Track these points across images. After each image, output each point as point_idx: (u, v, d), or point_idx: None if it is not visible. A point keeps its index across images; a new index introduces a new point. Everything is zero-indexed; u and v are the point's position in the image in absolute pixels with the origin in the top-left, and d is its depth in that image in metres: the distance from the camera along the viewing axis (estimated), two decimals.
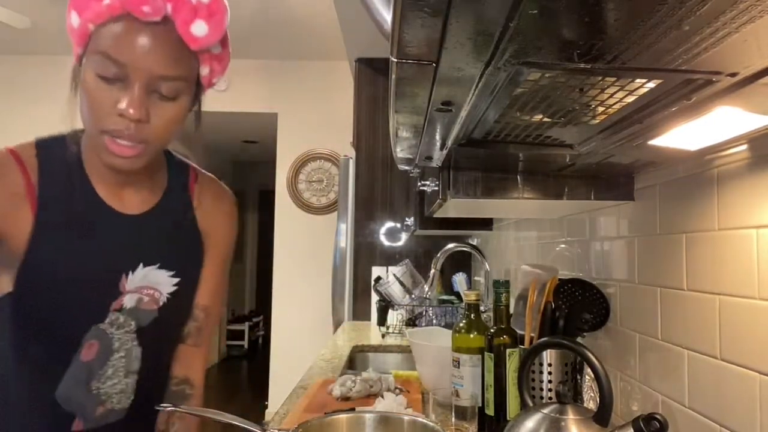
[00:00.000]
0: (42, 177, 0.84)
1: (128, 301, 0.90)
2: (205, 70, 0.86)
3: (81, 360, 0.87)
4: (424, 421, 0.97)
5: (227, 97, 4.51)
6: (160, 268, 0.93)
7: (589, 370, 1.02)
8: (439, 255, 2.21)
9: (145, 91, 0.78)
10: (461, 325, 1.28)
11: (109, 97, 0.77)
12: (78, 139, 0.89)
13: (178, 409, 0.94)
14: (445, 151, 0.89)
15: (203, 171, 1.05)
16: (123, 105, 0.76)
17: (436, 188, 1.14)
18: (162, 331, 0.96)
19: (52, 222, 0.84)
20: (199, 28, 0.79)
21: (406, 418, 0.99)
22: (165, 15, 0.77)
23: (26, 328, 0.86)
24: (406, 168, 1.21)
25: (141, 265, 0.91)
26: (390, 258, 3.20)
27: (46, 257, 0.83)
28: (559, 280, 1.21)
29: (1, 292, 0.84)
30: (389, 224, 3.22)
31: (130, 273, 0.90)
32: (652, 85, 0.56)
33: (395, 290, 2.58)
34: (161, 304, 0.94)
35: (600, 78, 0.54)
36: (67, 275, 0.85)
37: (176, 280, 0.95)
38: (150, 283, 0.92)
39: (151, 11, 0.75)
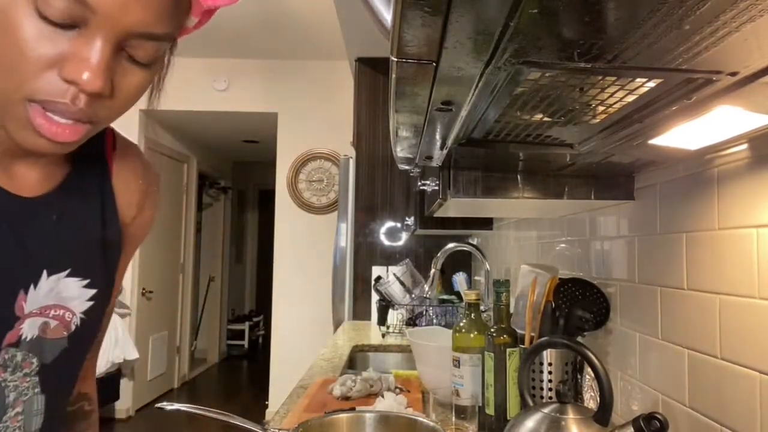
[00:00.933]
0: None
1: (28, 329, 0.60)
2: (192, 22, 0.58)
3: None
4: (425, 420, 0.97)
5: (227, 97, 4.51)
6: (70, 275, 0.64)
7: (589, 369, 1.02)
8: (439, 254, 2.21)
9: (112, 50, 0.50)
10: (461, 324, 1.28)
11: (49, 48, 0.48)
12: None
13: (180, 407, 0.94)
14: (445, 151, 0.89)
15: (122, 135, 0.74)
16: (76, 67, 0.48)
17: (437, 188, 1.14)
18: (71, 366, 0.67)
19: None
20: None
21: (406, 417, 0.99)
22: None
23: None
24: (407, 167, 1.21)
25: (44, 273, 0.61)
26: (390, 257, 3.20)
27: None
28: (560, 279, 1.21)
29: None
30: (389, 224, 3.23)
31: (31, 287, 0.60)
32: (652, 84, 0.56)
33: (395, 290, 2.58)
34: (73, 328, 0.64)
35: (600, 77, 0.54)
36: None
37: (92, 291, 0.66)
38: (59, 300, 0.63)
39: None
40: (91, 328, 0.68)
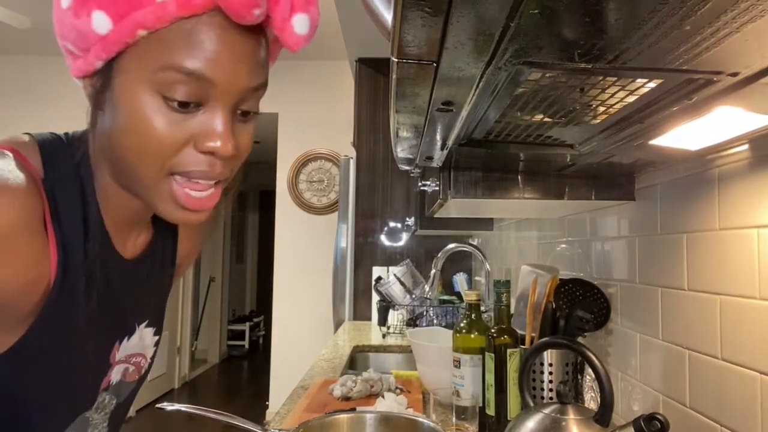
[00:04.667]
0: (52, 204, 0.56)
1: (114, 375, 0.68)
2: None
3: None
4: (425, 421, 0.97)
5: None
6: (147, 326, 0.72)
7: (589, 370, 1.02)
8: (439, 255, 2.21)
9: (231, 114, 0.56)
10: (462, 325, 1.28)
11: (181, 131, 0.54)
12: (86, 150, 0.60)
13: (180, 408, 0.94)
14: (445, 151, 0.89)
15: None
16: (208, 140, 0.54)
17: (437, 188, 1.14)
18: (131, 401, 0.75)
19: (70, 277, 0.57)
20: (302, 25, 0.55)
21: (406, 417, 0.99)
22: None
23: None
24: (407, 168, 1.21)
25: (136, 325, 0.70)
26: (391, 258, 3.19)
27: (56, 325, 0.57)
28: (560, 280, 1.21)
29: None
30: (390, 224, 3.22)
31: (126, 338, 0.68)
32: (653, 84, 0.56)
33: (396, 290, 2.58)
34: (143, 371, 0.73)
35: (601, 78, 0.54)
36: (70, 351, 0.60)
37: (157, 338, 0.75)
38: (140, 349, 0.71)
39: (261, 13, 0.53)
40: (150, 369, 0.76)
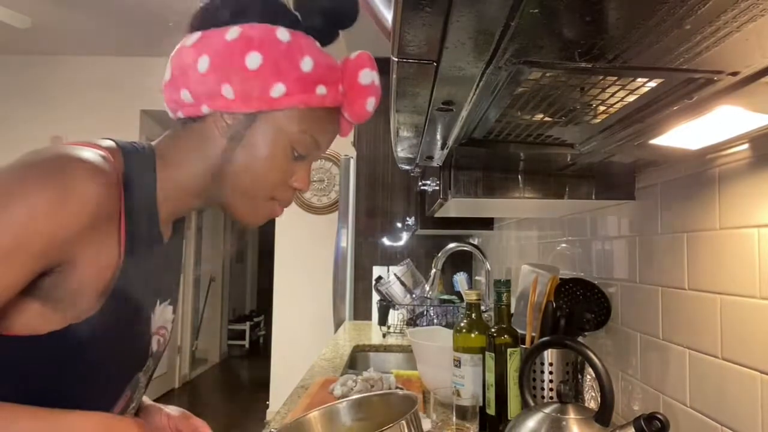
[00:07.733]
0: (128, 196, 0.71)
1: (153, 343, 0.81)
2: None
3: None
4: (397, 392, 0.95)
5: None
6: (168, 303, 0.85)
7: (590, 369, 1.02)
8: (440, 254, 2.21)
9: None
10: (462, 324, 1.28)
11: (289, 170, 0.79)
12: (153, 158, 0.77)
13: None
14: (446, 151, 0.89)
15: None
16: (301, 181, 0.80)
17: (437, 188, 1.14)
18: (152, 375, 0.87)
19: (136, 251, 0.72)
20: (371, 105, 0.81)
21: (378, 395, 0.95)
22: None
23: (74, 372, 0.70)
24: (407, 167, 1.21)
25: (158, 301, 0.81)
26: (391, 257, 3.20)
27: (127, 291, 0.71)
28: (560, 279, 1.21)
29: (45, 329, 0.66)
30: (390, 224, 3.22)
31: (154, 312, 0.80)
32: (653, 84, 0.56)
33: (396, 290, 2.58)
34: (164, 346, 0.86)
35: (601, 77, 0.54)
36: (132, 321, 0.75)
37: (173, 316, 0.87)
38: (164, 323, 0.84)
39: (372, 110, 0.80)
40: (168, 343, 0.88)
